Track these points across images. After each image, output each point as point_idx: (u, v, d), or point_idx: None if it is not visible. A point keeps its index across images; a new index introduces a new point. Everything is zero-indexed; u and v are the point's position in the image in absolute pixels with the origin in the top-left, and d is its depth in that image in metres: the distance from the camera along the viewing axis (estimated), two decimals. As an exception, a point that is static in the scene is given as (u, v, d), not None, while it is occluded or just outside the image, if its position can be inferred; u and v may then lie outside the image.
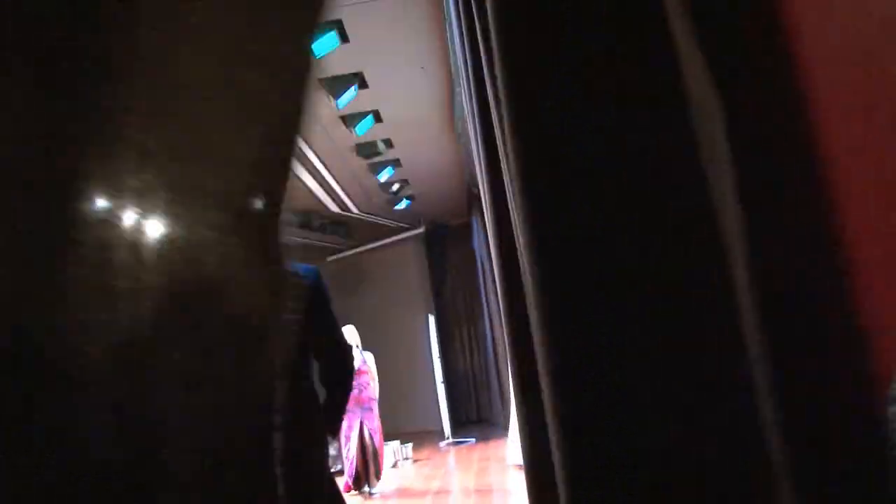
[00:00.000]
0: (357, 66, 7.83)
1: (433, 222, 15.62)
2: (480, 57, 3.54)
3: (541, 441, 3.33)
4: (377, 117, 9.08)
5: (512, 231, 3.29)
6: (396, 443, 10.62)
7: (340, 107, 8.07)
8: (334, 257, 16.42)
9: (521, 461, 8.09)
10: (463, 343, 16.06)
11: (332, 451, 9.61)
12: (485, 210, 3.85)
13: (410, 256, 16.36)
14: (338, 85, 7.86)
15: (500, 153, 3.32)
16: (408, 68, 8.06)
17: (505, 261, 3.45)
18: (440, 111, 9.40)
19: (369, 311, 16.12)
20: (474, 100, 3.72)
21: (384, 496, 8.65)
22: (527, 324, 3.30)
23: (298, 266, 3.25)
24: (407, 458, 10.64)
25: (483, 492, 7.84)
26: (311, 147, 9.66)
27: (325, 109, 8.50)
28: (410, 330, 15.92)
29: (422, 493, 8.36)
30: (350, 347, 3.43)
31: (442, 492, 8.32)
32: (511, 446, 8.61)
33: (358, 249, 16.29)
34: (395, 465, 10.16)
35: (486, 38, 2.80)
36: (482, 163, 3.58)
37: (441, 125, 9.86)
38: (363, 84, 8.10)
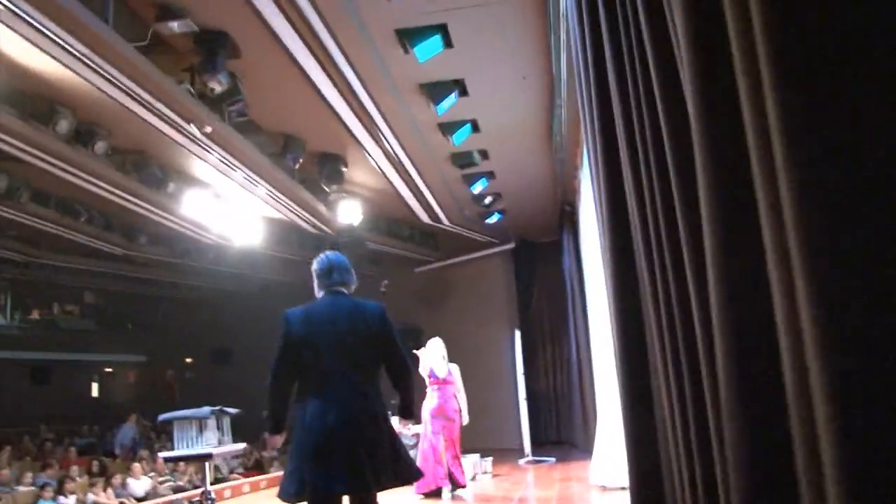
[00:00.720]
0: (459, 73, 7.83)
1: (522, 238, 15.51)
2: (606, 65, 3.43)
3: (651, 452, 3.20)
4: (475, 126, 9.05)
5: (630, 239, 3.16)
6: (476, 456, 10.50)
7: (440, 113, 8.08)
8: (421, 269, 16.47)
9: (604, 482, 7.91)
10: (546, 362, 15.87)
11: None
12: (599, 214, 3.71)
13: (498, 272, 16.28)
14: (438, 91, 7.87)
15: (621, 157, 3.20)
16: (509, 78, 8.03)
17: (618, 265, 3.33)
18: (538, 124, 9.32)
19: (453, 324, 16.06)
20: (594, 105, 3.61)
21: (464, 502, 8.58)
22: (641, 334, 3.18)
23: (367, 303, 4.23)
24: (486, 472, 10.51)
25: (566, 500, 7.67)
26: (407, 153, 9.70)
27: (423, 115, 8.53)
28: (493, 345, 15.80)
29: (503, 500, 8.24)
30: (407, 360, 4.26)
31: (523, 500, 8.19)
32: (595, 467, 8.40)
33: (445, 262, 16.30)
34: (473, 478, 10.02)
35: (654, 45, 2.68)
36: (600, 168, 3.47)
37: (538, 138, 9.78)
38: (463, 92, 8.10)
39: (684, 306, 2.43)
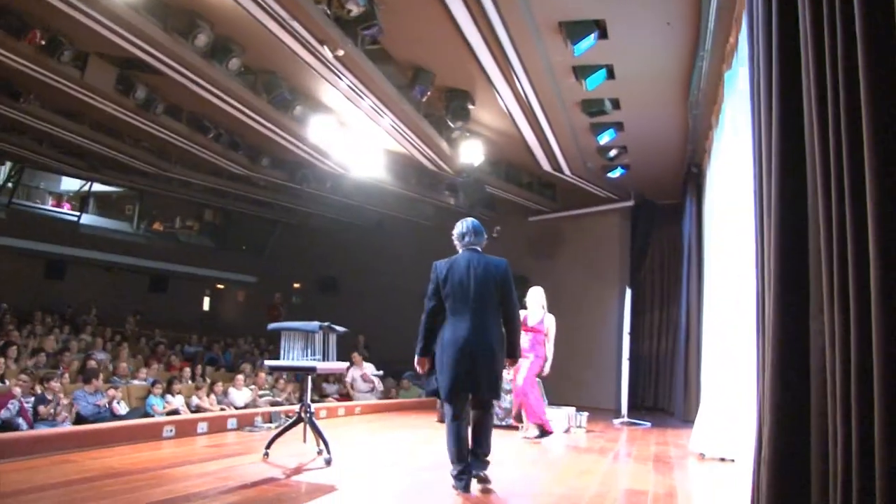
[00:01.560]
0: (601, 14, 7.53)
1: (643, 197, 15.08)
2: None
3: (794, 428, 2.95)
4: (610, 73, 8.74)
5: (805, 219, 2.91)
6: (572, 409, 10.36)
7: (577, 54, 7.80)
8: (536, 218, 16.27)
9: (703, 450, 7.66)
10: (652, 325, 15.51)
11: (506, 405, 9.61)
12: (764, 188, 3.44)
13: (613, 229, 15.95)
14: (578, 31, 7.60)
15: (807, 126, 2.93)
16: (652, 23, 7.66)
17: (783, 245, 3.08)
18: (677, 75, 8.92)
19: (562, 276, 15.91)
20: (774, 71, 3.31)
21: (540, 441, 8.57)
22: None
23: (496, 259, 5.60)
24: (580, 427, 10.37)
25: (662, 461, 7.48)
26: (537, 95, 9.46)
27: (558, 56, 8.28)
28: (600, 302, 15.57)
29: (599, 452, 8.12)
30: (517, 308, 5.67)
31: (619, 455, 8.05)
32: (696, 434, 8.15)
33: (561, 213, 16.03)
34: (567, 431, 9.93)
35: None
36: (777, 133, 3.20)
37: (674, 91, 9.37)
38: (603, 34, 7.78)
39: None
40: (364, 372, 13.21)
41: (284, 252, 23.33)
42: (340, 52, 8.31)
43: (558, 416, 9.99)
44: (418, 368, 5.57)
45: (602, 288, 15.71)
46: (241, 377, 11.46)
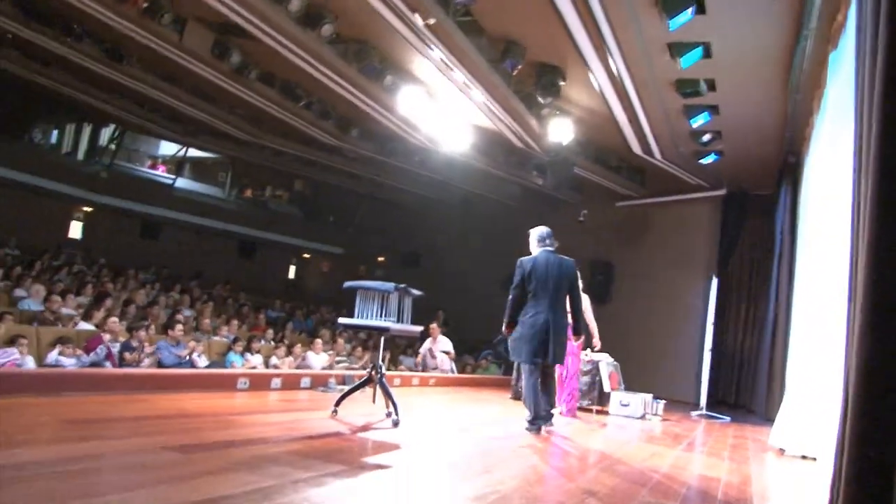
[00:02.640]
0: (700, -14, 7.29)
1: (735, 186, 14.60)
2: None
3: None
4: (706, 51, 8.45)
5: None
6: (649, 396, 10.12)
7: (672, 28, 7.56)
8: (623, 203, 15.98)
9: (784, 446, 7.38)
10: (738, 320, 15.03)
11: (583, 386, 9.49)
12: (862, 180, 3.23)
13: (702, 218, 15.52)
14: (674, 4, 7.36)
15: None
16: (755, -1, 7.37)
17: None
18: (777, 56, 8.55)
19: (646, 264, 15.66)
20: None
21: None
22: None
23: (567, 259, 7.11)
24: (656, 414, 10.14)
25: (738, 453, 7.24)
26: (630, 73, 9.24)
27: (653, 31, 8.06)
28: (684, 293, 15.21)
29: (674, 439, 7.90)
30: (580, 296, 7.42)
31: (694, 444, 7.84)
32: (777, 429, 7.87)
33: (649, 200, 15.72)
34: (643, 417, 9.73)
35: None
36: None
37: (774, 73, 9.01)
38: (701, 8, 7.52)
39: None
40: (431, 348, 13.01)
41: (370, 225, 23.62)
42: (431, 21, 8.29)
43: (634, 402, 9.82)
44: (505, 332, 7.14)
45: (687, 278, 15.34)
46: (319, 342, 11.65)
